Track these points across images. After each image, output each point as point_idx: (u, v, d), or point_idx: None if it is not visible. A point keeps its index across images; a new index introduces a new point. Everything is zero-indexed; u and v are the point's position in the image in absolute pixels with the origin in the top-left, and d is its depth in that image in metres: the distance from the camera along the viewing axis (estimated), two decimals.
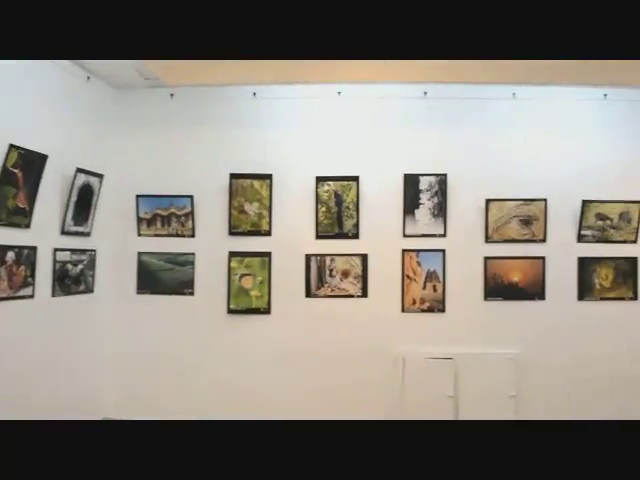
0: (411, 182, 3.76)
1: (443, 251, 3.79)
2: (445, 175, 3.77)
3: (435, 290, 3.79)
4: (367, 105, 3.84)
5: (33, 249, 3.02)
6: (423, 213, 3.78)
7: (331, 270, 3.78)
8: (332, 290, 3.78)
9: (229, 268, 3.78)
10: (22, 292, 2.94)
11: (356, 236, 3.78)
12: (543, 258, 3.81)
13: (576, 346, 3.80)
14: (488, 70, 3.44)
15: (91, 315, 3.64)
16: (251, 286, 3.78)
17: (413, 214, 3.78)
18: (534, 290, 3.82)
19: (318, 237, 3.79)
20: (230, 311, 3.79)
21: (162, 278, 3.83)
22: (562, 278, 3.82)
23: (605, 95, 3.78)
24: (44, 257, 3.12)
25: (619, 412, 3.66)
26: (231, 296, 3.77)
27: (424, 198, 3.77)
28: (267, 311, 3.79)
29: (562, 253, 3.82)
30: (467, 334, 3.80)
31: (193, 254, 3.82)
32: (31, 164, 2.92)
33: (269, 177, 3.77)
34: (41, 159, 2.99)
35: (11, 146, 2.75)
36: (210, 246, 3.81)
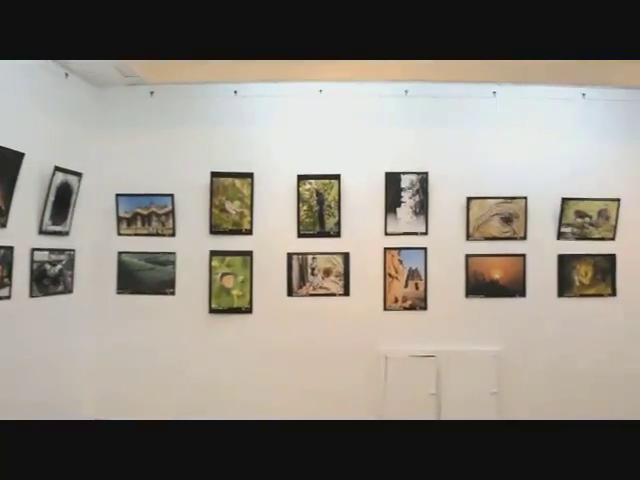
0: (392, 180, 3.81)
1: (425, 249, 3.85)
2: (426, 173, 3.82)
3: (417, 288, 3.85)
4: (348, 103, 3.88)
5: (10, 249, 3.00)
6: (405, 211, 3.83)
7: (313, 269, 3.81)
8: (314, 289, 3.82)
9: (210, 267, 3.80)
10: None
11: (338, 234, 3.82)
12: (524, 255, 3.89)
13: (556, 342, 3.89)
14: (469, 69, 3.49)
15: (70, 316, 3.63)
16: (232, 285, 3.80)
17: (395, 212, 3.83)
18: (515, 287, 3.89)
19: (300, 236, 3.83)
20: (211, 310, 3.81)
21: (143, 278, 3.83)
22: (542, 275, 3.90)
23: (584, 94, 3.87)
24: (21, 257, 3.11)
25: (599, 407, 3.79)
26: (212, 295, 3.79)
27: (405, 196, 3.82)
28: (249, 310, 3.81)
29: (542, 250, 3.90)
30: (449, 331, 3.86)
31: (174, 253, 3.83)
32: (7, 162, 2.91)
33: (250, 176, 3.79)
34: (17, 157, 2.97)
35: None
36: (191, 245, 3.83)
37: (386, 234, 3.83)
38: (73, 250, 3.61)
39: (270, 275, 3.82)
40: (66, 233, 3.54)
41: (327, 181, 3.79)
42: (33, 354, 3.23)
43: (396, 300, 3.84)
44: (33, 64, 3.16)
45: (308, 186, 3.80)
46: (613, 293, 3.92)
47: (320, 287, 3.82)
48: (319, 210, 3.80)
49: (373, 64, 3.36)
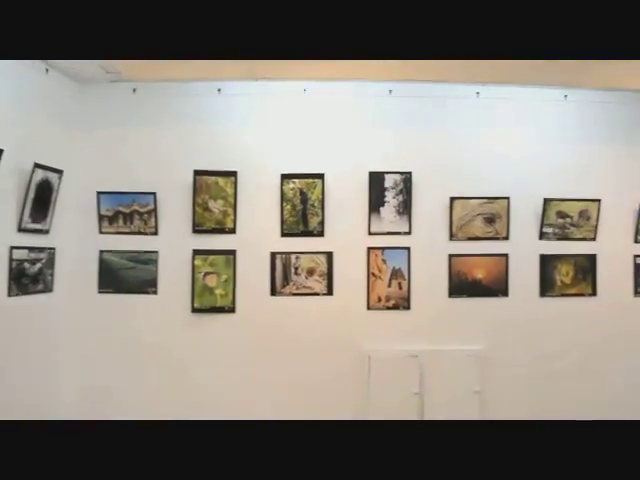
0: (376, 180, 3.85)
1: (408, 249, 3.89)
2: (410, 173, 3.86)
3: (400, 287, 3.89)
4: (333, 103, 3.91)
5: None
6: (388, 211, 3.86)
7: (296, 268, 3.83)
8: (297, 288, 3.84)
9: (193, 266, 3.80)
10: None
11: (321, 234, 3.84)
12: (506, 255, 3.95)
13: (538, 341, 3.96)
14: (453, 69, 3.53)
15: (50, 315, 3.61)
16: (215, 284, 3.80)
17: (378, 212, 3.86)
18: (497, 287, 3.95)
19: (283, 235, 3.84)
20: (194, 310, 3.81)
21: (124, 277, 3.83)
22: (524, 275, 3.97)
23: (565, 96, 3.95)
24: None
25: (579, 405, 3.89)
26: (195, 295, 3.80)
27: (389, 196, 3.86)
28: (232, 310, 3.82)
29: (524, 250, 3.96)
30: (432, 331, 3.91)
31: (156, 252, 3.83)
32: None
33: (234, 174, 3.80)
34: None
35: None
36: (174, 244, 3.83)
37: (369, 234, 3.87)
38: (53, 249, 3.59)
39: (253, 274, 3.84)
40: (46, 231, 3.52)
41: (311, 180, 3.81)
42: (12, 354, 3.21)
43: (379, 300, 3.88)
44: None
45: (292, 185, 3.82)
46: (593, 293, 4.00)
47: (303, 286, 3.84)
48: (303, 209, 3.82)
49: (357, 64, 3.39)
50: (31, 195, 3.29)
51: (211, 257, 3.81)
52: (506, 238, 3.94)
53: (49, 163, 3.42)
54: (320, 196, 3.81)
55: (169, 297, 3.83)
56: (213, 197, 3.80)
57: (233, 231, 3.83)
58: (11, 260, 3.19)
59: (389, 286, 3.88)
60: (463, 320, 3.93)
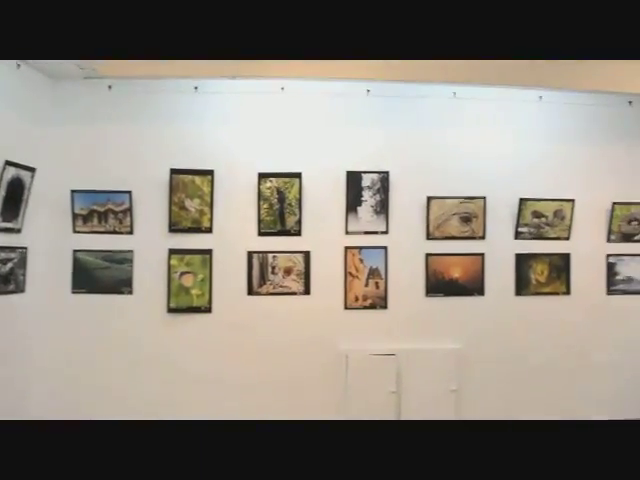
0: (353, 179, 3.89)
1: (385, 248, 3.94)
2: (387, 173, 3.91)
3: (377, 287, 3.93)
4: (310, 101, 3.94)
5: None
6: (365, 210, 3.90)
7: (273, 268, 3.85)
8: (274, 288, 3.86)
9: (169, 266, 3.79)
10: None
11: (298, 233, 3.86)
12: (482, 255, 4.02)
13: (513, 340, 4.05)
14: (430, 70, 3.57)
15: (22, 316, 3.58)
16: (192, 284, 3.80)
17: (355, 211, 3.90)
18: (474, 286, 4.01)
19: (260, 234, 3.86)
20: (170, 310, 3.80)
21: (99, 277, 3.80)
22: (500, 274, 4.05)
23: (540, 97, 4.03)
24: None
25: (554, 400, 4.02)
26: (171, 295, 3.79)
27: (366, 195, 3.89)
28: (208, 310, 3.82)
29: (500, 250, 4.04)
30: (409, 330, 3.96)
31: (131, 252, 3.81)
32: None
33: (210, 173, 3.80)
34: None
35: None
36: (149, 243, 3.81)
37: (347, 233, 3.90)
38: (25, 248, 3.56)
39: (230, 274, 3.84)
40: (18, 230, 3.48)
41: (288, 179, 3.83)
42: None
43: (357, 299, 3.92)
44: None
45: (269, 184, 3.83)
46: (567, 291, 4.10)
47: (280, 286, 3.86)
48: (280, 208, 3.84)
49: (336, 63, 3.41)
50: (2, 193, 3.26)
51: (187, 256, 3.81)
52: (482, 237, 4.01)
53: (21, 161, 3.38)
54: (297, 195, 3.83)
55: (144, 297, 3.81)
56: (189, 196, 3.80)
57: (210, 230, 3.83)
58: None
59: (366, 285, 3.92)
60: (440, 319, 3.99)
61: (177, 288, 3.80)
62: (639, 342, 4.16)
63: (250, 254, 3.85)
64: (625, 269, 4.15)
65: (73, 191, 3.75)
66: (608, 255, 4.14)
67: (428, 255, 3.96)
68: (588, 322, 4.11)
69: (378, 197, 3.90)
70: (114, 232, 3.80)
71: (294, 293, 3.87)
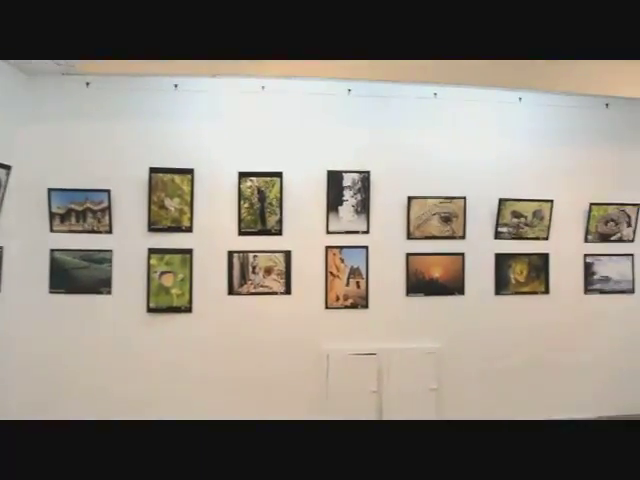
0: (334, 179, 3.92)
1: (366, 248, 3.98)
2: (368, 172, 3.95)
3: (358, 286, 3.97)
4: (291, 101, 3.95)
5: None
6: (346, 210, 3.94)
7: (254, 267, 3.86)
8: (255, 287, 3.87)
9: (149, 265, 3.79)
10: None
11: (279, 233, 3.88)
12: (462, 254, 4.08)
13: (493, 338, 4.13)
14: (411, 70, 3.62)
15: None
16: (172, 284, 3.81)
17: (337, 211, 3.93)
18: (454, 285, 4.07)
19: (241, 234, 3.87)
20: (150, 310, 3.80)
21: (77, 276, 3.78)
22: (480, 273, 4.12)
23: (520, 98, 4.10)
24: None
25: (533, 399, 4.13)
26: (151, 294, 3.79)
27: (347, 195, 3.93)
28: (188, 309, 3.83)
29: (480, 249, 4.11)
30: (390, 329, 4.01)
31: (110, 251, 3.80)
32: None
33: (190, 172, 3.80)
34: None
35: None
36: (128, 243, 3.80)
37: (328, 232, 3.93)
38: (1, 247, 3.52)
39: (210, 273, 3.85)
40: None
41: (269, 179, 3.85)
42: None
43: (337, 298, 3.95)
44: None
45: (249, 183, 3.84)
46: (546, 291, 4.18)
47: (261, 286, 3.88)
48: (260, 208, 3.85)
49: (317, 62, 3.44)
50: None
51: (167, 256, 3.81)
52: (462, 237, 4.07)
53: None
54: (278, 195, 3.85)
55: (124, 297, 3.80)
56: (169, 195, 3.80)
57: (190, 230, 3.83)
58: None
59: (347, 285, 3.96)
60: (420, 318, 4.05)
61: (157, 288, 3.80)
62: (616, 341, 4.28)
63: (230, 254, 3.86)
64: (602, 269, 4.25)
65: (50, 189, 3.73)
66: (586, 255, 4.24)
67: (409, 255, 4.01)
68: (566, 321, 4.20)
69: (359, 197, 3.94)
70: (92, 231, 3.79)
71: (275, 293, 3.90)
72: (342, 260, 3.95)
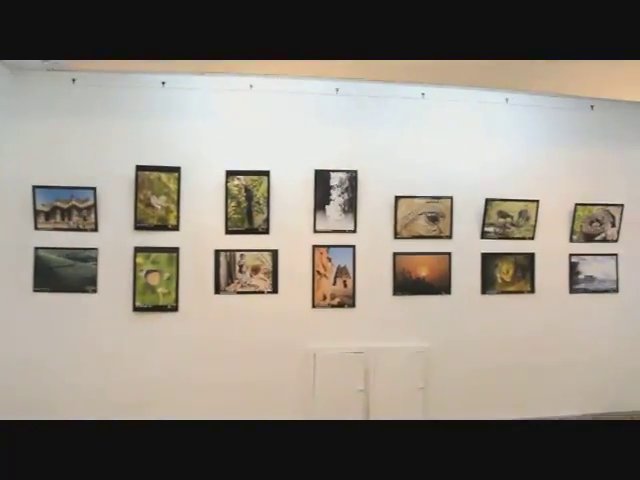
0: (322, 178, 3.95)
1: (353, 247, 4.01)
2: (356, 172, 3.98)
3: (345, 285, 4.00)
4: (279, 99, 3.97)
5: None
6: (334, 209, 3.97)
7: (241, 266, 3.88)
8: (242, 286, 3.89)
9: (135, 264, 3.79)
10: None
11: (266, 231, 3.90)
12: (449, 254, 4.13)
13: (479, 337, 4.18)
14: (399, 70, 3.64)
15: None
16: (158, 283, 3.81)
17: (324, 210, 3.96)
18: (441, 285, 4.12)
19: (228, 232, 3.88)
20: (136, 309, 3.80)
21: (62, 275, 3.77)
22: (467, 273, 4.17)
23: (507, 99, 4.16)
24: None
25: (519, 397, 4.20)
26: (137, 293, 3.79)
27: (335, 194, 3.96)
28: (175, 308, 3.84)
29: (467, 249, 4.16)
30: (377, 328, 4.05)
31: (96, 249, 3.79)
32: None
33: (177, 170, 3.81)
34: None
35: None
36: (114, 241, 3.80)
37: (315, 231, 3.96)
38: None
39: (197, 272, 3.86)
40: None
41: (256, 177, 3.87)
42: None
43: (324, 298, 3.98)
44: None
45: (237, 182, 3.86)
46: (532, 290, 4.24)
47: (248, 284, 3.90)
48: (248, 206, 3.87)
49: (305, 61, 3.47)
50: None
51: (153, 254, 3.81)
52: (449, 237, 4.12)
53: None
54: (265, 193, 3.87)
55: (109, 296, 3.80)
56: (156, 193, 3.80)
57: (176, 228, 3.84)
58: None
59: (334, 284, 3.99)
60: (407, 317, 4.09)
61: (143, 287, 3.80)
62: (601, 339, 4.36)
63: (217, 252, 3.87)
64: (587, 268, 4.33)
65: (35, 187, 3.71)
66: (571, 255, 4.31)
67: (396, 254, 4.05)
68: (552, 320, 4.27)
69: (346, 196, 3.97)
70: (78, 229, 3.78)
71: (262, 292, 3.91)
72: (329, 259, 3.98)
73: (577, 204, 4.26)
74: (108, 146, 3.83)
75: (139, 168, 3.78)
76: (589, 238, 4.33)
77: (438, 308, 4.13)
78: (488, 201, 4.11)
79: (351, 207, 3.98)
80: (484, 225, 4.15)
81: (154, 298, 3.81)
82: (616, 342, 4.38)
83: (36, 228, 3.75)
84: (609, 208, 4.32)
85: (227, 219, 3.87)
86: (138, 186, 3.78)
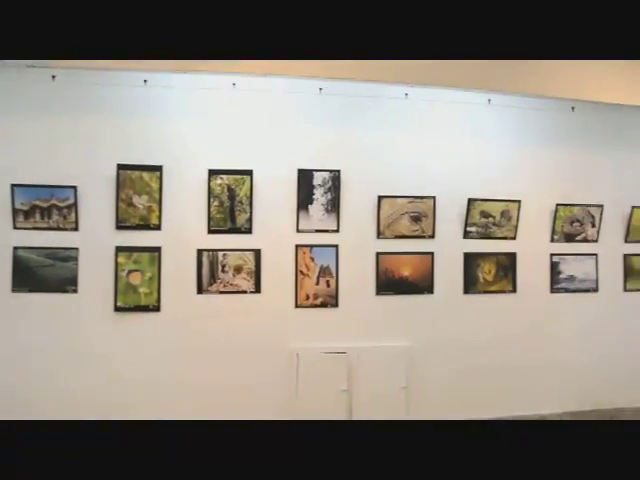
0: (305, 177, 3.98)
1: (336, 246, 4.05)
2: (339, 171, 4.02)
3: (328, 285, 4.04)
4: (262, 98, 3.99)
5: None
6: (317, 209, 4.00)
7: (223, 266, 3.90)
8: (224, 286, 3.91)
9: (116, 264, 3.79)
10: None
11: (249, 231, 3.92)
12: (432, 253, 4.19)
13: (462, 336, 4.25)
14: (382, 70, 3.69)
15: None
16: (139, 282, 3.82)
17: (307, 209, 3.99)
18: (423, 284, 4.18)
19: (210, 232, 3.89)
20: (117, 309, 3.80)
21: (42, 275, 3.76)
22: (449, 272, 4.23)
23: (489, 100, 4.22)
24: None
25: (502, 396, 4.29)
26: (118, 293, 3.79)
27: (318, 194, 4.00)
28: (156, 308, 3.84)
29: (449, 249, 4.23)
30: (360, 328, 4.09)
31: (77, 249, 3.78)
32: None
33: (159, 169, 3.81)
34: None
35: None
36: (95, 240, 3.79)
37: (298, 231, 3.99)
38: None
39: (179, 272, 3.87)
40: None
41: (239, 176, 3.88)
42: None
43: (307, 297, 4.02)
44: None
45: (219, 181, 3.88)
46: (514, 289, 4.33)
47: (231, 284, 3.92)
48: (230, 206, 3.89)
49: (288, 60, 3.50)
50: None
51: (135, 254, 3.81)
52: (432, 237, 4.18)
53: None
54: (248, 193, 3.89)
55: (90, 296, 3.79)
56: (137, 192, 3.80)
57: (158, 227, 3.84)
58: None
59: (317, 284, 4.02)
60: (390, 317, 4.14)
61: (124, 286, 3.80)
62: (581, 338, 4.46)
63: (200, 252, 3.88)
64: (567, 268, 4.42)
65: (13, 185, 3.68)
66: (552, 254, 4.41)
67: (379, 254, 4.10)
68: (533, 319, 4.36)
69: (329, 195, 4.01)
70: (58, 228, 3.76)
71: (244, 292, 3.93)
72: (312, 259, 4.01)
73: (558, 204, 4.35)
74: (89, 144, 3.81)
75: (120, 167, 3.78)
76: (570, 238, 4.42)
77: (421, 308, 4.18)
78: (470, 201, 4.18)
79: (334, 207, 4.02)
80: (466, 225, 4.22)
81: (136, 298, 3.82)
82: (596, 341, 4.48)
83: (15, 227, 3.72)
84: (589, 208, 4.42)
85: (210, 218, 3.88)
86: (119, 185, 3.78)
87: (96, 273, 3.80)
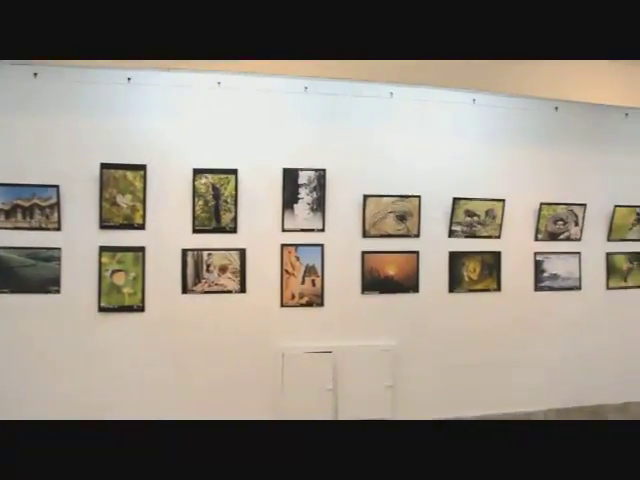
0: (290, 176, 4.00)
1: (322, 246, 4.08)
2: (324, 170, 4.05)
3: (314, 284, 4.08)
4: (247, 97, 4.01)
5: None
6: (302, 208, 4.03)
7: (208, 265, 3.92)
8: (209, 286, 3.93)
9: (100, 264, 3.79)
10: None
11: (234, 230, 3.94)
12: (417, 252, 4.25)
13: (447, 335, 4.31)
14: (367, 69, 3.72)
15: None
16: (123, 283, 3.82)
17: (292, 209, 4.02)
18: (409, 283, 4.24)
19: (195, 231, 3.90)
20: (101, 309, 3.80)
21: (23, 275, 3.74)
22: (434, 271, 4.29)
23: (474, 100, 4.28)
24: None
25: (487, 394, 4.37)
26: (102, 293, 3.79)
27: (303, 193, 4.03)
28: (141, 309, 3.85)
29: (434, 247, 4.28)
30: (345, 327, 4.14)
31: (59, 249, 3.77)
32: None
33: (143, 168, 3.81)
34: None
35: None
36: (78, 240, 3.78)
37: (283, 230, 4.02)
38: None
39: (164, 272, 3.87)
40: None
41: (224, 176, 3.90)
42: None
43: (293, 297, 4.05)
44: None
45: (204, 180, 3.89)
46: (498, 288, 4.40)
47: (216, 284, 3.93)
48: (215, 205, 3.91)
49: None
50: None
51: (119, 254, 3.81)
52: (417, 236, 4.23)
53: None
54: (233, 192, 3.91)
55: (73, 296, 3.78)
56: (121, 191, 3.80)
57: (142, 227, 3.84)
58: None
59: (302, 283, 4.06)
60: (376, 316, 4.19)
61: (108, 287, 3.80)
62: (565, 335, 4.55)
63: (184, 251, 3.90)
64: (551, 266, 4.51)
65: None
66: (536, 253, 4.49)
67: (364, 253, 4.15)
68: (518, 317, 4.44)
69: (315, 195, 4.04)
70: (40, 228, 3.75)
71: (230, 291, 3.95)
72: (297, 258, 4.05)
73: (542, 203, 4.43)
74: (72, 143, 3.80)
75: (104, 166, 3.77)
76: (553, 237, 4.51)
77: (406, 306, 4.24)
78: (455, 200, 4.24)
79: (319, 206, 4.05)
80: (451, 224, 4.28)
81: (120, 298, 3.82)
82: (579, 338, 4.57)
83: None
84: (573, 207, 4.50)
85: (194, 218, 3.89)
86: (103, 184, 3.77)
87: (79, 273, 3.79)
